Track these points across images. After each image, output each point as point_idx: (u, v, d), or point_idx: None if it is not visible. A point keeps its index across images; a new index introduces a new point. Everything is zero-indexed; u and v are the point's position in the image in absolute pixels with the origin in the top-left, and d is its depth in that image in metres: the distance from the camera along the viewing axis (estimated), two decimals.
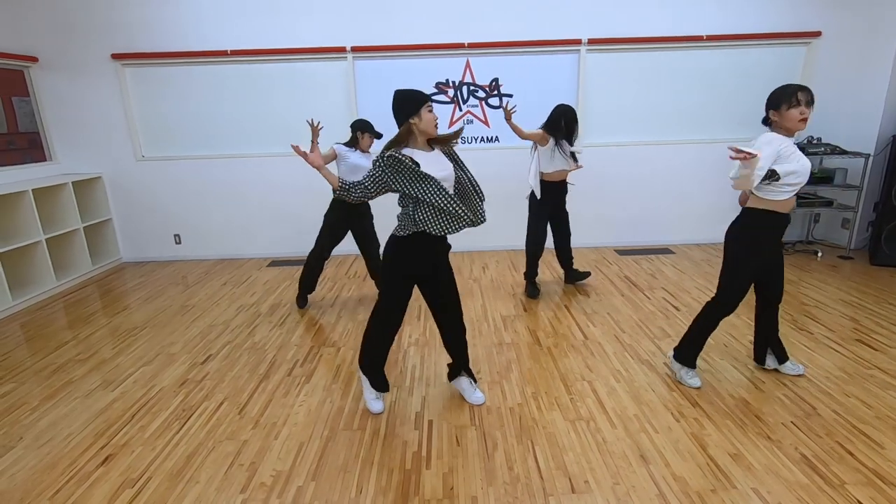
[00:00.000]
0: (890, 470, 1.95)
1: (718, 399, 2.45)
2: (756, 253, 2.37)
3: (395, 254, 2.22)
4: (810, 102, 2.19)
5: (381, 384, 2.44)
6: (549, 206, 3.73)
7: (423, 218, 2.10)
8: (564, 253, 3.98)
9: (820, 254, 4.66)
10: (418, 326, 3.40)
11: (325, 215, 3.65)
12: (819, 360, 2.79)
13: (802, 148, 4.46)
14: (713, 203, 4.98)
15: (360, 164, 3.48)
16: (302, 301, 3.83)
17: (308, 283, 3.77)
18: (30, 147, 4.65)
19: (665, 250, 4.99)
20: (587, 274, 4.07)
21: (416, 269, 2.27)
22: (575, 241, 5.12)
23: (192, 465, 2.11)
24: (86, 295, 4.28)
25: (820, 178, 4.61)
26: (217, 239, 5.17)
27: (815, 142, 4.60)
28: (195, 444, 2.23)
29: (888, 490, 1.85)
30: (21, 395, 2.71)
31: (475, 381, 2.55)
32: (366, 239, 3.71)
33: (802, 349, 2.91)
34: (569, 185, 3.78)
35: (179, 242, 5.19)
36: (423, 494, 1.91)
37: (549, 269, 4.51)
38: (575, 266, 4.09)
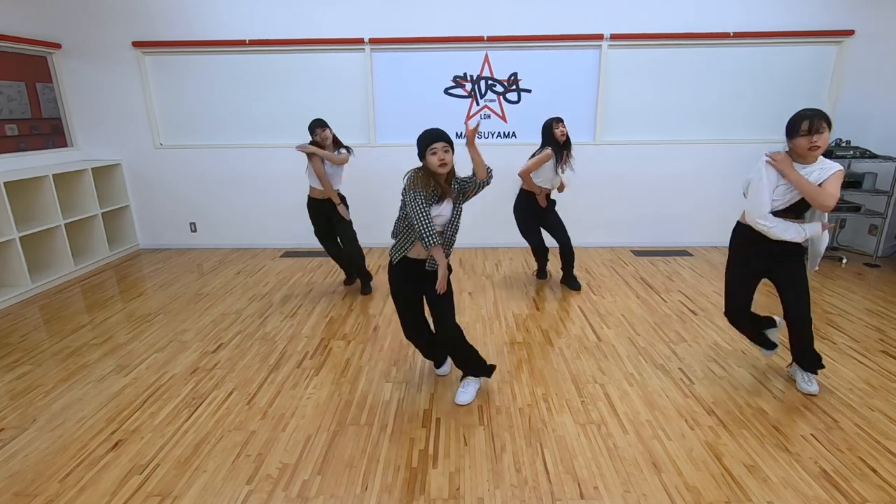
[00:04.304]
0: None
1: (735, 408, 2.38)
2: (734, 261, 2.53)
3: (389, 277, 2.43)
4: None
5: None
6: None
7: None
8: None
9: (845, 260, 4.52)
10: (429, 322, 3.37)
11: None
12: (842, 370, 2.69)
13: (830, 151, 4.36)
14: (733, 205, 4.80)
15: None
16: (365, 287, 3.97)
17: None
18: (52, 133, 4.71)
19: (683, 252, 4.89)
20: (578, 287, 3.97)
21: (403, 289, 2.42)
22: (590, 241, 5.09)
23: (199, 453, 2.11)
24: (103, 280, 4.34)
25: (848, 182, 4.45)
26: (232, 228, 5.20)
27: (843, 144, 4.45)
28: (204, 433, 2.24)
29: None
30: (37, 377, 2.75)
31: (475, 380, 2.52)
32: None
33: (824, 359, 2.79)
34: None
35: (195, 231, 5.23)
36: (429, 493, 1.88)
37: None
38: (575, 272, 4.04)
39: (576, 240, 3.89)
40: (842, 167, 2.25)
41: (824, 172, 2.22)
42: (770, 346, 2.69)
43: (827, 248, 4.84)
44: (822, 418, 2.29)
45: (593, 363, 2.82)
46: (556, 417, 2.33)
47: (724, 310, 2.62)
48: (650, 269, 4.43)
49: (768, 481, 1.92)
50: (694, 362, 2.81)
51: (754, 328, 2.64)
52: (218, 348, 3.04)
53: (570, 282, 3.97)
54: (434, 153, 2.13)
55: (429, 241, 2.13)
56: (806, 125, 2.17)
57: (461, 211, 2.30)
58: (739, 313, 2.57)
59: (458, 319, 3.38)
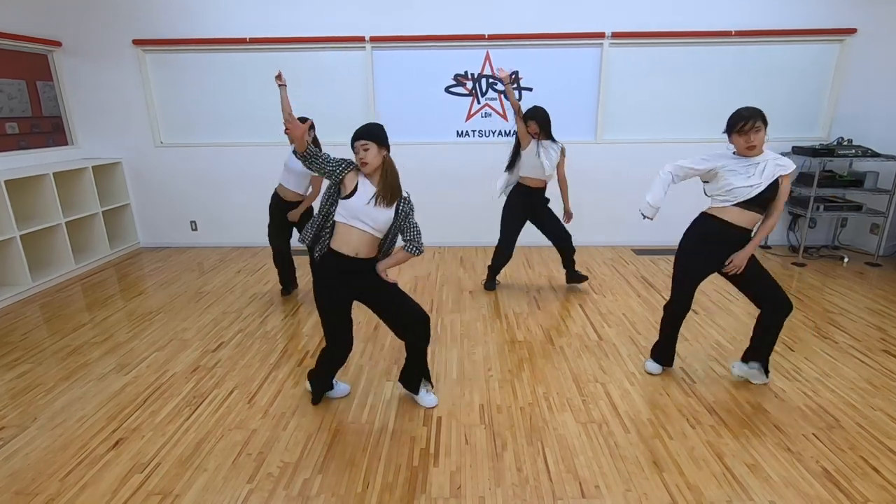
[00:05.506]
0: None
1: (736, 407, 2.38)
2: (697, 253, 2.47)
3: (316, 285, 2.20)
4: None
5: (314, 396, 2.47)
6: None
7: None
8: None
9: (846, 259, 4.51)
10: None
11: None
12: (843, 370, 2.69)
13: (832, 150, 4.34)
14: None
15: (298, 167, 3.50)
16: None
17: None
18: (53, 131, 4.71)
19: None
20: (584, 278, 3.92)
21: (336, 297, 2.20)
22: (591, 240, 5.09)
23: (200, 452, 2.11)
24: (103, 278, 4.34)
25: (850, 181, 4.45)
26: (233, 226, 5.20)
27: (845, 143, 4.44)
28: (204, 432, 2.24)
29: None
30: (38, 375, 2.75)
31: (431, 384, 2.46)
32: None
33: (826, 358, 2.81)
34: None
35: (196, 229, 5.23)
36: (430, 492, 1.88)
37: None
38: (577, 267, 3.96)
39: (577, 239, 3.89)
40: (795, 165, 2.33)
41: (780, 168, 2.27)
42: (668, 362, 2.70)
43: (829, 247, 4.85)
44: (823, 417, 2.29)
45: (594, 362, 2.81)
46: (557, 416, 2.33)
47: (669, 300, 2.59)
48: (651, 267, 4.43)
49: (770, 480, 1.91)
50: (695, 361, 2.81)
51: (675, 335, 2.66)
52: (219, 347, 3.04)
53: (575, 276, 3.91)
54: (359, 150, 2.05)
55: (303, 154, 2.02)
56: (741, 125, 2.24)
57: (396, 226, 2.16)
58: (686, 305, 2.55)
59: (460, 319, 3.41)
